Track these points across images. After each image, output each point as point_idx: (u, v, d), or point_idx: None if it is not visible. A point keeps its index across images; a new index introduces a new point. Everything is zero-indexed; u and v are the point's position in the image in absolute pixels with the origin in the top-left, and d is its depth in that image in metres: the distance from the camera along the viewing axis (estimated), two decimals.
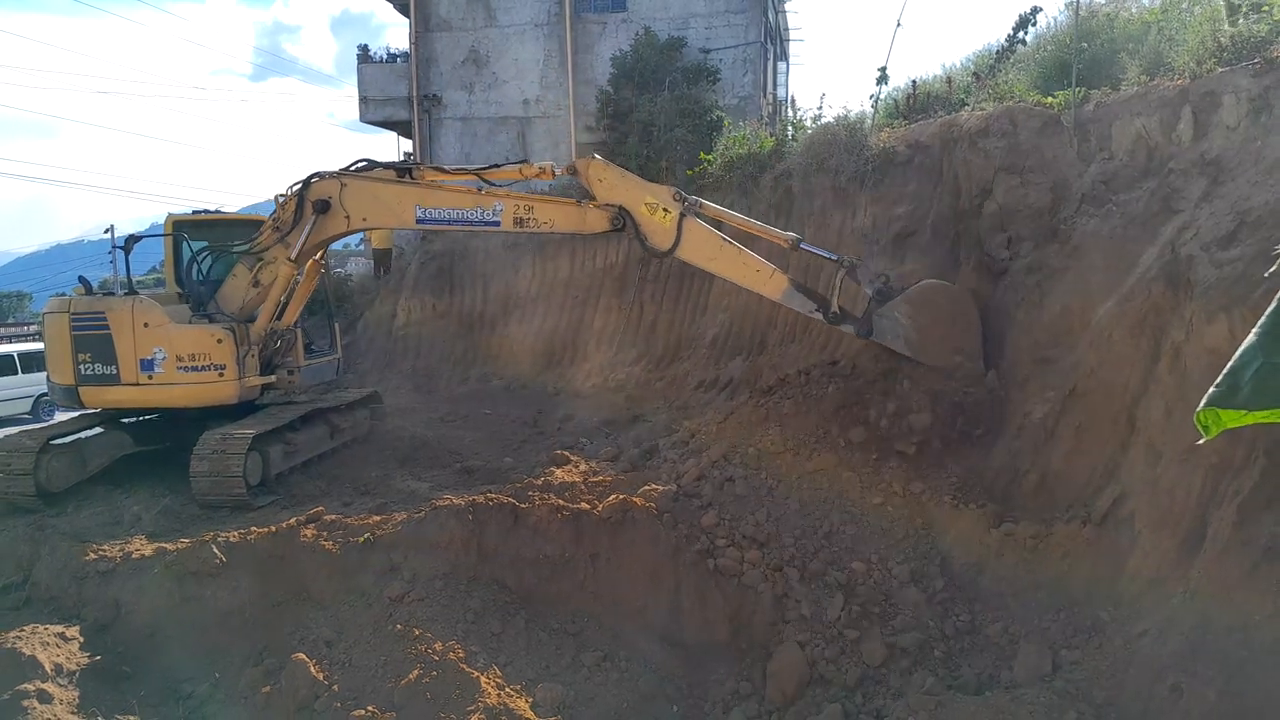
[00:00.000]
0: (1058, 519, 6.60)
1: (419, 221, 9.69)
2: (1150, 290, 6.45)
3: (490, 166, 10.06)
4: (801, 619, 6.56)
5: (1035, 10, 12.16)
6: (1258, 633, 4.37)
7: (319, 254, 10.73)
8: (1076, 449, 6.79)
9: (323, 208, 9.65)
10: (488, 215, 9.44)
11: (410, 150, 23.06)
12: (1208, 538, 5.09)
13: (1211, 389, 2.30)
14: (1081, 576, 6.06)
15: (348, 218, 9.77)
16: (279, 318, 10.50)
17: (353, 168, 9.89)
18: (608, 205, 9.18)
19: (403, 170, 9.93)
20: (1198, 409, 2.31)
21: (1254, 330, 2.29)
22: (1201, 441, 2.44)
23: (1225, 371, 2.28)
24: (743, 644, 6.61)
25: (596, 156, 9.59)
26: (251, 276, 10.18)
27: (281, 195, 10.01)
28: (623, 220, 9.12)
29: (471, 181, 9.98)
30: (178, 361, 9.62)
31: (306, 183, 9.76)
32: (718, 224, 9.61)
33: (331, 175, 9.78)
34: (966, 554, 6.86)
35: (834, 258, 9.10)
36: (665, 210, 9.07)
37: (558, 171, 9.74)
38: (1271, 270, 2.55)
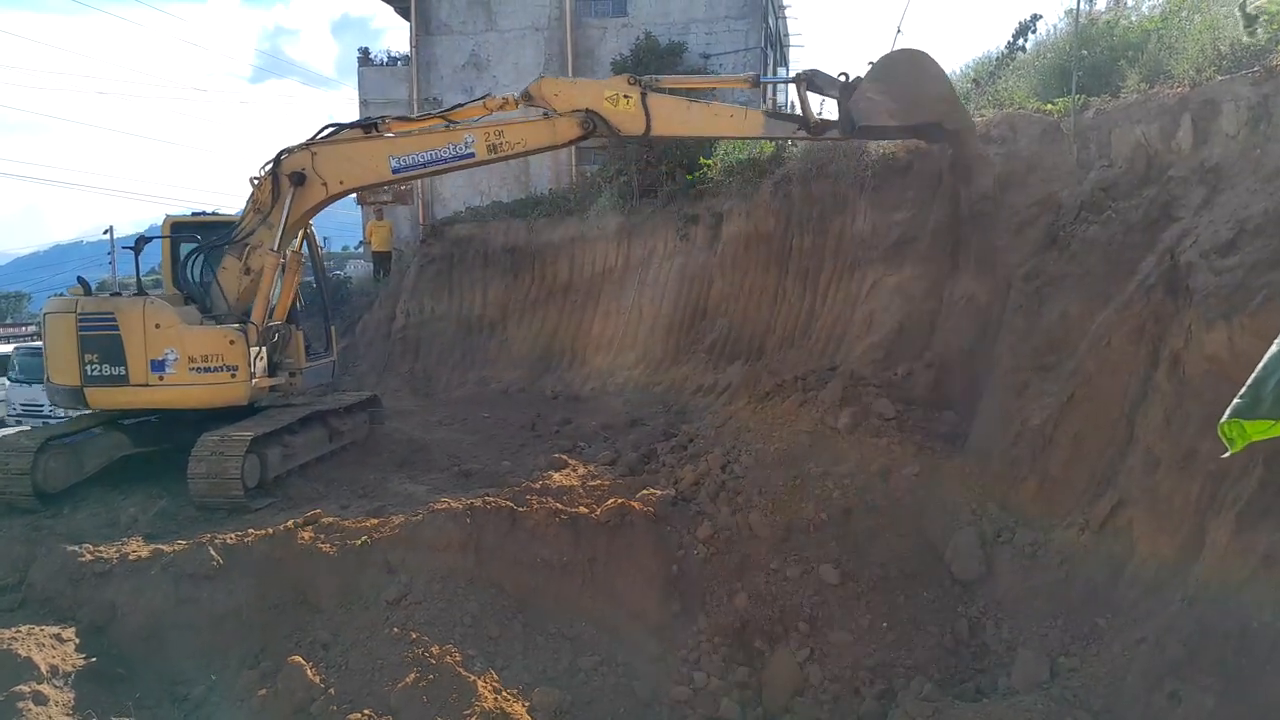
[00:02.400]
0: (1056, 525, 6.59)
1: (395, 171, 9.80)
2: (1149, 297, 6.45)
3: (454, 107, 10.22)
4: (798, 624, 6.55)
5: (1035, 17, 12.16)
6: (1256, 639, 4.37)
7: (300, 239, 10.71)
8: (1075, 456, 6.77)
9: (298, 180, 9.72)
10: (460, 149, 9.59)
11: None
12: (1206, 545, 5.10)
13: (1235, 400, 2.28)
14: (1080, 583, 6.05)
15: (325, 184, 9.82)
16: (270, 314, 10.47)
17: (319, 136, 9.94)
18: (574, 112, 9.32)
19: (368, 126, 10.04)
20: (1221, 421, 2.29)
21: (1277, 340, 2.28)
22: (1227, 454, 2.42)
23: (1249, 383, 2.27)
24: (739, 650, 6.60)
25: (545, 75, 9.89)
26: (242, 264, 10.14)
27: (256, 177, 10.03)
28: (592, 123, 9.28)
29: (439, 126, 10.11)
30: (190, 362, 9.59)
31: (277, 159, 9.80)
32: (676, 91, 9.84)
33: (300, 147, 9.83)
34: (965, 560, 6.85)
35: (790, 80, 9.28)
36: (626, 97, 9.23)
37: (519, 101, 9.84)
38: None
